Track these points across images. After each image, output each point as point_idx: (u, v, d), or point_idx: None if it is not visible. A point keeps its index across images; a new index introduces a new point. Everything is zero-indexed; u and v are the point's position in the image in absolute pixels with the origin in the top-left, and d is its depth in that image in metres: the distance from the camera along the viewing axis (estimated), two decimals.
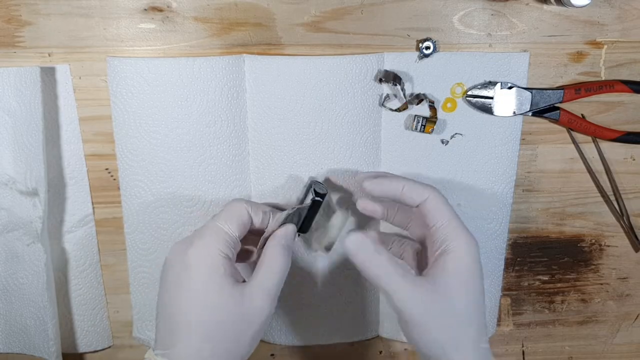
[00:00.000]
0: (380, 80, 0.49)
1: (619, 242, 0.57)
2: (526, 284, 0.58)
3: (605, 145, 0.54)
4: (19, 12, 0.47)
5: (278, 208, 0.47)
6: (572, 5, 0.46)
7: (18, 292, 0.52)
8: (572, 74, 0.52)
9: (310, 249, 0.54)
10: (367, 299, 0.57)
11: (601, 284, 0.59)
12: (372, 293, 0.56)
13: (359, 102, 0.50)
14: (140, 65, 0.48)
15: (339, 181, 0.51)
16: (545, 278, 0.58)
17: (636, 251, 0.57)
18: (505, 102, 0.51)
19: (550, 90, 0.51)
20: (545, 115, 0.52)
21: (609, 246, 0.57)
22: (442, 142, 0.52)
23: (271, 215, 0.44)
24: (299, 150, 0.51)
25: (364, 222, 0.53)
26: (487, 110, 0.51)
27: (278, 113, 0.50)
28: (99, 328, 0.56)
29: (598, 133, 0.52)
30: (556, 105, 0.51)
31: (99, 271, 0.55)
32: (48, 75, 0.49)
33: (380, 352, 0.60)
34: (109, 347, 0.57)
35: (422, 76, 0.50)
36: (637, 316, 0.60)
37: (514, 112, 0.51)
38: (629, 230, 0.56)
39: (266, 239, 0.44)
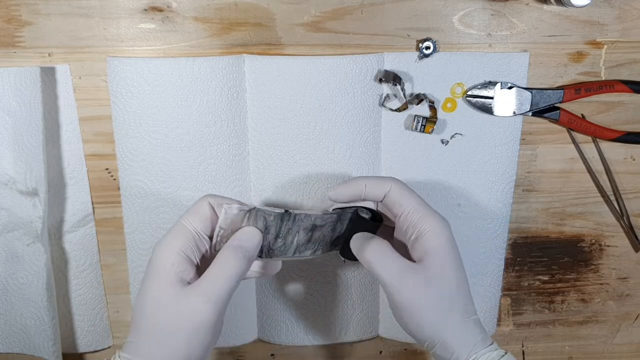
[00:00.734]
0: (380, 80, 0.49)
1: (619, 242, 0.57)
2: (526, 284, 0.58)
3: (605, 145, 0.54)
4: (19, 12, 0.47)
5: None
6: (572, 5, 0.46)
7: (18, 292, 0.52)
8: (572, 74, 0.52)
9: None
10: (367, 299, 0.57)
11: (601, 284, 0.59)
12: (372, 293, 0.56)
13: (359, 102, 0.50)
14: (140, 65, 0.48)
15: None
16: (545, 278, 0.58)
17: (636, 251, 0.57)
18: (505, 102, 0.51)
19: (550, 90, 0.51)
20: (545, 115, 0.52)
21: (609, 246, 0.57)
22: (442, 142, 0.52)
23: (225, 210, 0.40)
24: (299, 150, 0.51)
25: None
26: (487, 110, 0.51)
27: (278, 113, 0.50)
28: (99, 328, 0.56)
29: (598, 133, 0.52)
30: (556, 105, 0.51)
31: (99, 271, 0.55)
32: (48, 75, 0.49)
33: (381, 352, 0.60)
34: (109, 347, 0.57)
35: (422, 76, 0.50)
36: (637, 316, 0.60)
37: (514, 112, 0.51)
38: (629, 230, 0.56)
39: (219, 236, 0.41)
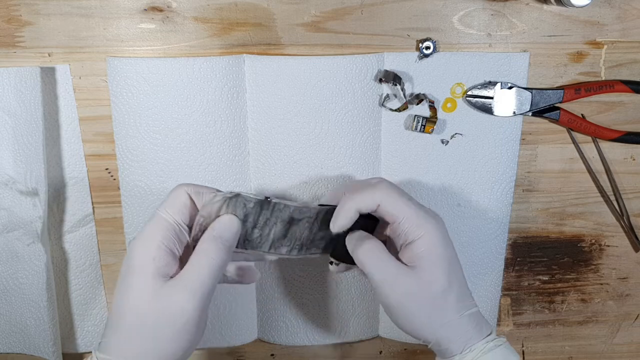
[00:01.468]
0: (380, 80, 0.49)
1: (619, 242, 0.57)
2: (526, 284, 0.58)
3: (605, 145, 0.54)
4: (19, 12, 0.47)
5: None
6: (572, 5, 0.46)
7: (18, 292, 0.52)
8: (572, 74, 0.52)
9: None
10: (367, 299, 0.57)
11: (601, 284, 0.59)
12: (372, 293, 0.56)
13: (359, 102, 0.50)
14: (140, 65, 0.48)
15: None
16: (545, 278, 0.58)
17: (636, 251, 0.57)
18: (505, 102, 0.51)
19: (550, 90, 0.51)
20: (545, 115, 0.52)
21: (609, 246, 0.57)
22: (442, 142, 0.52)
23: (204, 198, 0.39)
24: (299, 151, 0.51)
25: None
26: (487, 110, 0.51)
27: (278, 113, 0.50)
28: (99, 328, 0.56)
29: (598, 133, 0.52)
30: (556, 105, 0.51)
31: (99, 271, 0.55)
32: (48, 75, 0.49)
33: (381, 352, 0.60)
34: None
35: (422, 76, 0.50)
36: (637, 316, 0.60)
37: (514, 112, 0.51)
38: (629, 230, 0.56)
39: (198, 225, 0.40)
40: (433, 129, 0.50)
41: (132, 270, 0.38)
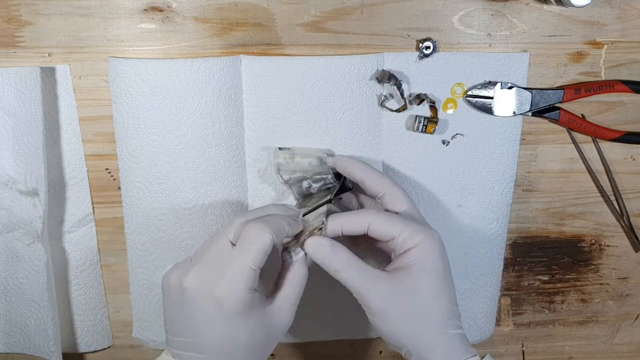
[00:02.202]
0: (378, 80, 0.49)
1: (619, 242, 0.57)
2: (526, 284, 0.58)
3: (605, 145, 0.54)
4: (19, 12, 0.47)
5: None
6: (572, 5, 0.46)
7: (18, 292, 0.52)
8: (572, 74, 0.52)
9: None
10: None
11: (601, 284, 0.59)
12: None
13: (359, 102, 0.50)
14: (141, 66, 0.47)
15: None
16: (545, 278, 0.58)
17: (636, 251, 0.57)
18: (505, 102, 0.51)
19: (550, 90, 0.51)
20: (545, 115, 0.52)
21: (609, 246, 0.57)
22: (443, 143, 0.52)
23: (293, 222, 0.43)
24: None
25: None
26: (487, 110, 0.51)
27: (276, 114, 0.50)
28: (99, 328, 0.56)
29: (598, 133, 0.52)
30: (556, 105, 0.51)
31: (99, 271, 0.55)
32: (48, 75, 0.49)
33: (381, 352, 0.60)
34: (109, 347, 0.57)
35: (422, 76, 0.50)
36: (637, 316, 0.60)
37: (514, 112, 0.51)
38: (629, 230, 0.56)
39: (284, 244, 0.44)
40: (435, 129, 0.50)
41: (235, 313, 0.40)
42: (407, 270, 0.42)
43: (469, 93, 0.50)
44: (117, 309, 0.56)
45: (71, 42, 0.48)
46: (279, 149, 0.50)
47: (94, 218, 0.53)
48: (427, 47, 0.49)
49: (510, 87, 0.50)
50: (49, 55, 0.48)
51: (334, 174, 0.49)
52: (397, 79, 0.48)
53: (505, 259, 0.56)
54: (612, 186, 0.55)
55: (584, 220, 0.56)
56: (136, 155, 0.50)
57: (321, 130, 0.50)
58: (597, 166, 0.54)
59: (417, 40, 0.50)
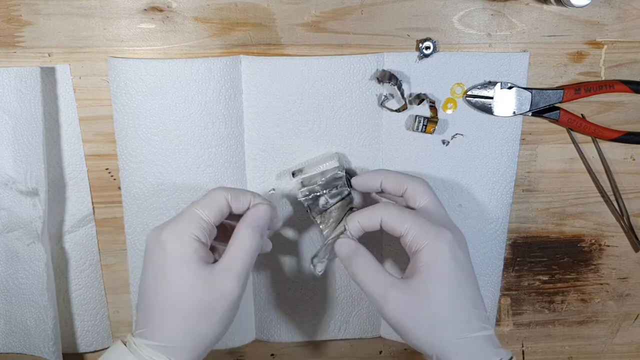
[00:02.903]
0: (378, 80, 0.49)
1: (619, 242, 0.57)
2: (526, 284, 0.58)
3: (605, 145, 0.54)
4: (19, 12, 0.47)
5: None
6: (572, 5, 0.46)
7: (18, 292, 0.52)
8: (572, 74, 0.52)
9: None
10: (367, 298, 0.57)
11: (601, 284, 0.59)
12: None
13: (359, 102, 0.50)
14: (141, 66, 0.47)
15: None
16: (545, 278, 0.58)
17: (636, 251, 0.57)
18: (505, 102, 0.51)
19: (550, 90, 0.51)
20: (545, 115, 0.52)
21: (609, 246, 0.57)
22: (443, 143, 0.52)
23: (252, 199, 0.44)
24: (297, 152, 0.51)
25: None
26: (487, 110, 0.51)
27: (276, 114, 0.50)
28: (99, 328, 0.56)
29: (598, 133, 0.52)
30: (556, 105, 0.51)
31: (99, 271, 0.55)
32: (48, 75, 0.49)
33: (380, 352, 0.60)
34: (109, 347, 0.57)
35: (422, 76, 0.50)
36: (637, 316, 0.60)
37: (514, 112, 0.51)
38: (629, 230, 0.56)
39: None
40: (434, 129, 0.50)
41: (174, 263, 0.40)
42: (418, 277, 0.41)
43: (469, 93, 0.50)
44: (117, 309, 0.56)
45: (71, 42, 0.48)
46: (293, 174, 0.50)
47: (94, 218, 0.53)
48: (427, 47, 0.49)
49: (510, 87, 0.50)
50: (49, 55, 0.48)
51: (346, 179, 0.49)
52: (397, 79, 0.48)
53: (505, 259, 0.56)
54: (612, 186, 0.55)
55: (584, 220, 0.56)
56: (136, 155, 0.50)
57: (321, 130, 0.50)
58: (597, 166, 0.54)
59: (417, 40, 0.50)
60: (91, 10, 0.48)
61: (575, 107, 0.52)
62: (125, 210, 0.52)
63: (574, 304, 0.59)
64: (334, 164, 0.49)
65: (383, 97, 0.50)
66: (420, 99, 0.50)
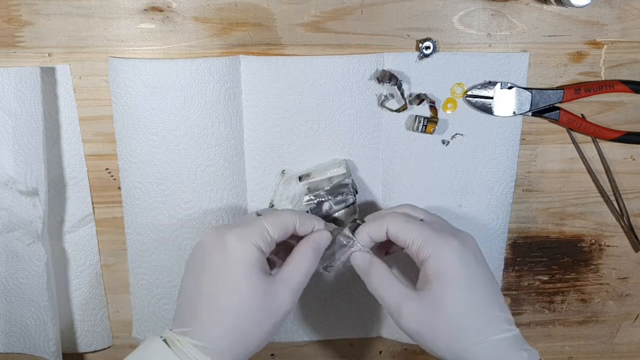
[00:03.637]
0: (378, 80, 0.49)
1: (619, 242, 0.57)
2: (526, 284, 0.58)
3: (605, 145, 0.54)
4: (19, 12, 0.47)
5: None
6: (572, 5, 0.46)
7: (18, 292, 0.52)
8: (572, 74, 0.52)
9: None
10: (367, 298, 0.57)
11: (601, 284, 0.59)
12: None
13: (358, 102, 0.50)
14: (141, 66, 0.47)
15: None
16: (545, 278, 0.58)
17: (636, 251, 0.57)
18: (505, 102, 0.51)
19: (550, 90, 0.51)
20: (545, 115, 0.52)
21: (609, 246, 0.57)
22: (443, 143, 0.52)
23: (316, 224, 0.45)
24: (297, 151, 0.51)
25: None
26: (487, 110, 0.51)
27: (275, 114, 0.50)
28: (99, 328, 0.56)
29: (598, 133, 0.52)
30: (556, 105, 0.51)
31: (99, 271, 0.55)
32: (48, 75, 0.49)
33: (380, 352, 0.60)
34: (109, 347, 0.57)
35: (422, 76, 0.50)
36: (637, 316, 0.60)
37: (514, 112, 0.51)
38: (629, 230, 0.56)
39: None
40: (434, 129, 0.50)
41: (238, 266, 0.40)
42: (429, 286, 0.41)
43: (469, 93, 0.50)
44: (117, 309, 0.56)
45: (71, 42, 0.48)
46: (299, 179, 0.50)
47: (94, 218, 0.53)
48: (427, 47, 0.49)
49: (510, 87, 0.50)
50: (49, 55, 0.48)
51: (352, 186, 0.49)
52: (397, 79, 0.48)
53: (505, 259, 0.56)
54: (612, 186, 0.55)
55: (584, 220, 0.56)
56: (136, 155, 0.50)
57: (320, 130, 0.50)
58: (597, 166, 0.54)
59: (417, 40, 0.50)
60: (91, 10, 0.48)
61: (575, 107, 0.52)
62: (125, 210, 0.52)
63: (574, 304, 0.59)
64: (342, 170, 0.49)
65: (383, 97, 0.50)
66: (420, 99, 0.50)
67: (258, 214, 0.46)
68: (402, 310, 0.41)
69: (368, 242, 0.45)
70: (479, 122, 0.51)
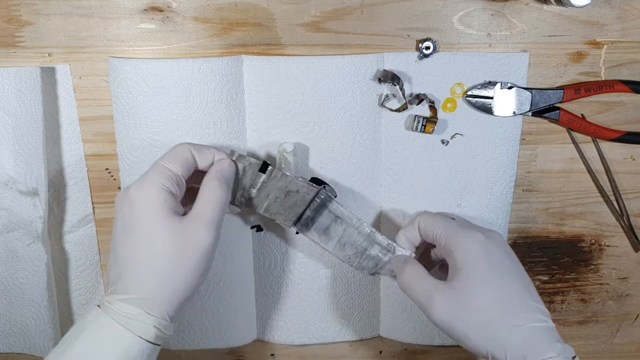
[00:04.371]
0: (379, 80, 0.49)
1: (619, 242, 0.57)
2: None
3: (605, 145, 0.54)
4: (19, 12, 0.47)
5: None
6: (572, 5, 0.46)
7: (18, 292, 0.52)
8: (572, 74, 0.52)
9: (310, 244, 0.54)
10: (367, 298, 0.57)
11: (601, 284, 0.59)
12: (372, 293, 0.56)
13: (359, 102, 0.50)
14: (142, 66, 0.48)
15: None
16: (545, 278, 0.58)
17: (636, 251, 0.57)
18: (505, 102, 0.51)
19: (550, 90, 0.51)
20: (545, 115, 0.52)
21: (609, 246, 0.57)
22: (443, 143, 0.52)
23: (215, 153, 0.44)
24: (298, 151, 0.51)
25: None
26: (487, 110, 0.51)
27: (277, 113, 0.50)
28: None
29: (598, 133, 0.52)
30: (556, 105, 0.51)
31: (99, 271, 0.55)
32: (48, 75, 0.49)
33: (380, 352, 0.60)
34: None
35: (422, 76, 0.50)
36: (637, 316, 0.60)
37: (514, 112, 0.51)
38: (629, 230, 0.56)
39: None
40: (434, 129, 0.50)
41: (144, 214, 0.40)
42: (458, 276, 0.42)
43: (469, 93, 0.50)
44: None
45: (71, 42, 0.48)
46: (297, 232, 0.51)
47: (94, 218, 0.53)
48: (427, 47, 0.49)
49: (510, 87, 0.50)
50: (49, 55, 0.48)
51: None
52: (399, 79, 0.48)
53: None
54: (612, 186, 0.55)
55: (584, 220, 0.56)
56: (137, 155, 0.50)
57: (322, 130, 0.50)
58: (597, 166, 0.54)
59: (417, 40, 0.50)
60: (91, 10, 0.48)
61: (575, 107, 0.52)
62: None
63: (574, 304, 0.59)
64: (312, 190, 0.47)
65: (384, 96, 0.50)
66: (419, 99, 0.50)
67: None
68: (433, 301, 0.42)
69: (407, 244, 0.48)
70: (479, 122, 0.51)
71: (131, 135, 0.49)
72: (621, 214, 0.55)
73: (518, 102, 0.51)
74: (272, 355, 0.59)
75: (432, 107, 0.50)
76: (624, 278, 0.59)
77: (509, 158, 0.53)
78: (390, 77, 0.48)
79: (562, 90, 0.51)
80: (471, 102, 0.51)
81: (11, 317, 0.53)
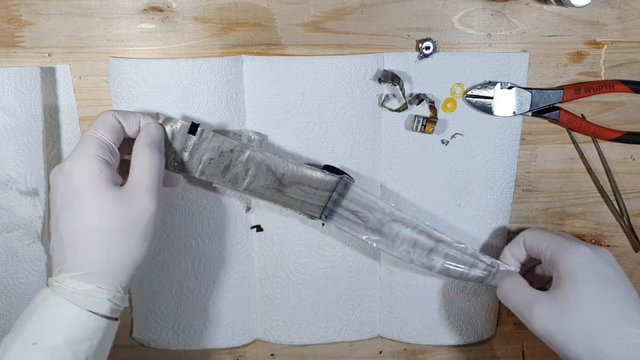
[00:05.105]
0: (379, 80, 0.49)
1: (619, 242, 0.57)
2: None
3: (605, 145, 0.54)
4: (19, 12, 0.47)
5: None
6: (572, 5, 0.46)
7: (18, 292, 0.52)
8: (572, 74, 0.52)
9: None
10: (367, 298, 0.57)
11: None
12: (372, 293, 0.56)
13: (359, 102, 0.50)
14: (142, 66, 0.48)
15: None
16: None
17: (636, 251, 0.57)
18: (505, 102, 0.51)
19: (550, 90, 0.51)
20: (545, 115, 0.52)
21: (609, 246, 0.57)
22: (443, 143, 0.52)
23: (141, 119, 0.43)
24: (298, 151, 0.51)
25: None
26: (487, 110, 0.51)
27: (277, 114, 0.50)
28: None
29: (598, 133, 0.52)
30: (556, 105, 0.51)
31: None
32: (48, 75, 0.49)
33: (380, 352, 0.60)
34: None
35: (422, 76, 0.50)
36: None
37: (514, 112, 0.51)
38: (629, 230, 0.56)
39: None
40: (434, 129, 0.50)
41: (82, 187, 0.39)
42: (561, 286, 0.43)
43: (469, 93, 0.50)
44: None
45: (71, 42, 0.48)
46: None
47: None
48: (427, 47, 0.49)
49: (510, 87, 0.50)
50: (49, 55, 0.48)
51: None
52: (399, 79, 0.48)
53: None
54: (612, 186, 0.55)
55: (584, 220, 0.56)
56: None
57: (322, 130, 0.50)
58: (597, 166, 0.54)
59: (417, 40, 0.50)
60: (91, 10, 0.48)
61: (575, 107, 0.52)
62: None
63: None
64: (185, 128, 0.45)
65: (384, 96, 0.50)
66: (419, 99, 0.50)
67: None
68: (534, 309, 0.42)
69: (511, 261, 0.50)
70: (479, 122, 0.51)
71: None
72: (621, 214, 0.55)
73: (518, 102, 0.51)
74: (272, 355, 0.59)
75: (432, 107, 0.50)
76: None
77: (509, 158, 0.53)
78: (390, 77, 0.48)
79: (562, 90, 0.51)
80: (471, 102, 0.51)
81: (11, 317, 0.53)
